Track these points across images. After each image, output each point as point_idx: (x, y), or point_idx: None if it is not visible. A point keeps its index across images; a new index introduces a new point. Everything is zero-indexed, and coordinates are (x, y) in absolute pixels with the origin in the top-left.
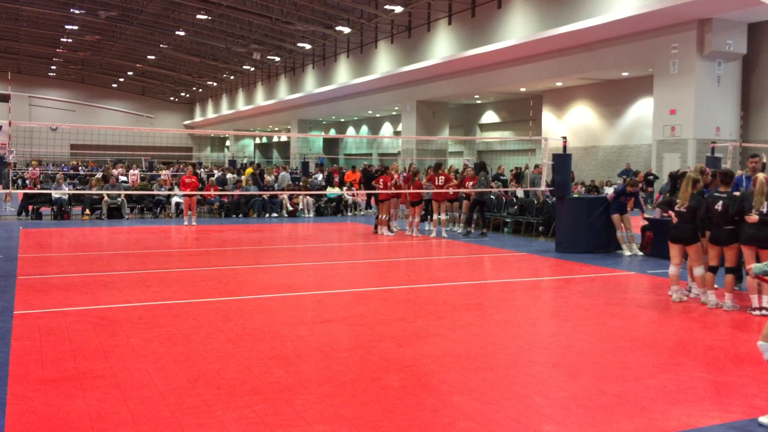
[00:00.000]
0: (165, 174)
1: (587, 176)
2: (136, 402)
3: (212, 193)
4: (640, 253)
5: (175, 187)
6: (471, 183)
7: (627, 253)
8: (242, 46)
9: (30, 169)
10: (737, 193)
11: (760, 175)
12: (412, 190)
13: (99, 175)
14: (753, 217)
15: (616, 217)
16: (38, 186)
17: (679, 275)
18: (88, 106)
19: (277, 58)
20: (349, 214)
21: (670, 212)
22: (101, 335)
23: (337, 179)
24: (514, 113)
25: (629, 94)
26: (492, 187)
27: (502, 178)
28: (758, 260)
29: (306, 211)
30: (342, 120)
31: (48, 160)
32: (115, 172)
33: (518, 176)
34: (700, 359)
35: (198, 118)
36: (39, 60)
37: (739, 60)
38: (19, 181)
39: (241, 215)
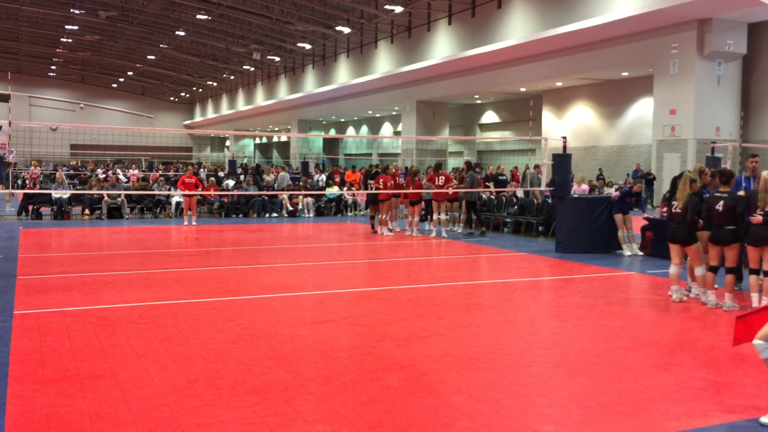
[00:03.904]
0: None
1: (587, 176)
2: (136, 402)
3: (212, 193)
4: (640, 253)
5: (173, 187)
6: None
7: (627, 253)
8: (242, 46)
9: (31, 169)
10: (741, 193)
11: (764, 173)
12: (412, 190)
13: (100, 174)
14: (757, 218)
15: (619, 216)
16: (38, 186)
17: (680, 275)
18: (88, 106)
19: (277, 58)
20: (349, 214)
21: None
22: (101, 335)
23: (337, 179)
24: (514, 113)
25: (629, 94)
26: (487, 187)
27: (501, 177)
28: (761, 260)
29: (306, 211)
30: (342, 120)
31: (48, 160)
32: (103, 175)
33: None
34: (700, 359)
35: (198, 118)
36: (39, 60)
37: (739, 60)
38: (19, 181)
39: (241, 215)
